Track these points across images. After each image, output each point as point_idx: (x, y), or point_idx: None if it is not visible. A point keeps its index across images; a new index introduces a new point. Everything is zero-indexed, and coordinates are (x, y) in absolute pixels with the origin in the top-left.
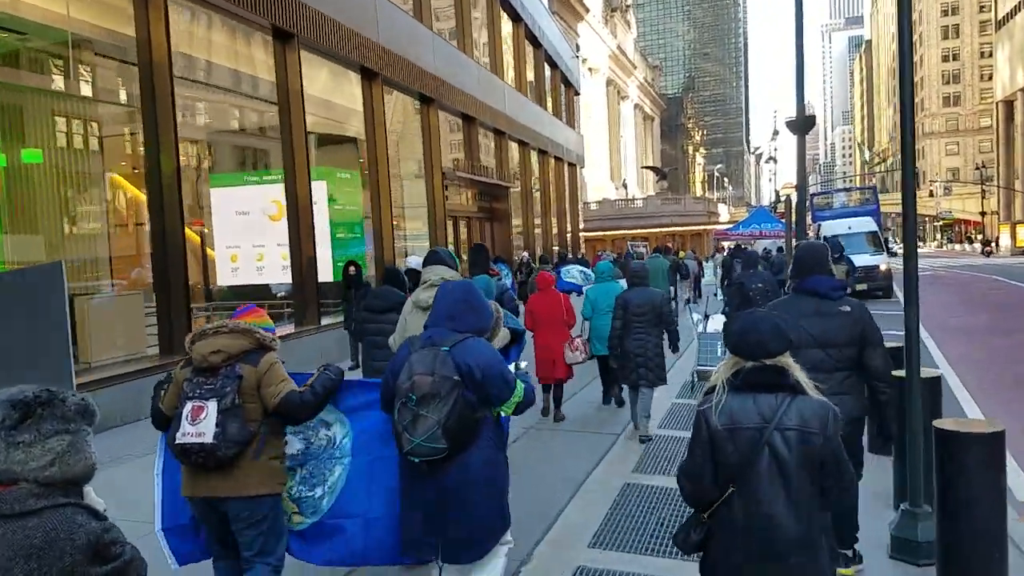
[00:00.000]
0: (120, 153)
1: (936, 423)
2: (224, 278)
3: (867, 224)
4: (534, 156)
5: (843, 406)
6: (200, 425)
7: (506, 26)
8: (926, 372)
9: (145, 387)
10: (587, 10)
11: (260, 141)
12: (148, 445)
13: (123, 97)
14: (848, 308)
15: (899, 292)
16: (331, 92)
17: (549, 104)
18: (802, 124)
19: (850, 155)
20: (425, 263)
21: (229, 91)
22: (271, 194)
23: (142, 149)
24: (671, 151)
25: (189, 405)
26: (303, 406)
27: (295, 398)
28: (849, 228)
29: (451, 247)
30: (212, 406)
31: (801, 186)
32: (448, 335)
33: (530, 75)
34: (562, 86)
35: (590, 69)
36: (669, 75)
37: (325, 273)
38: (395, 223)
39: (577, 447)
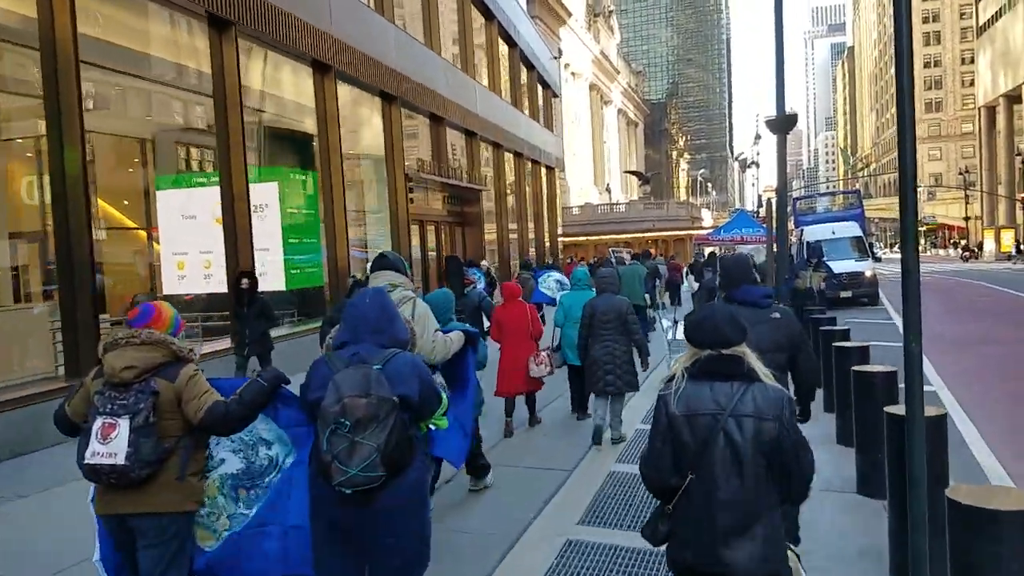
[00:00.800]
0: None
1: (950, 493)
2: (170, 286)
3: (852, 229)
4: (509, 159)
5: None
6: (111, 444)
7: (477, 23)
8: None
9: (48, 412)
10: (569, 14)
11: (209, 139)
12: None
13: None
14: (777, 315)
15: (886, 300)
16: (284, 87)
17: (526, 106)
18: (782, 123)
19: (833, 161)
20: (373, 268)
21: (169, 85)
22: (219, 196)
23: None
24: (655, 156)
25: (99, 421)
26: (227, 419)
27: (219, 410)
28: (833, 233)
29: (415, 253)
30: (124, 424)
31: (781, 188)
32: (376, 351)
33: (505, 75)
34: (540, 87)
35: (573, 74)
36: (653, 80)
37: (276, 281)
38: (351, 228)
39: (556, 447)
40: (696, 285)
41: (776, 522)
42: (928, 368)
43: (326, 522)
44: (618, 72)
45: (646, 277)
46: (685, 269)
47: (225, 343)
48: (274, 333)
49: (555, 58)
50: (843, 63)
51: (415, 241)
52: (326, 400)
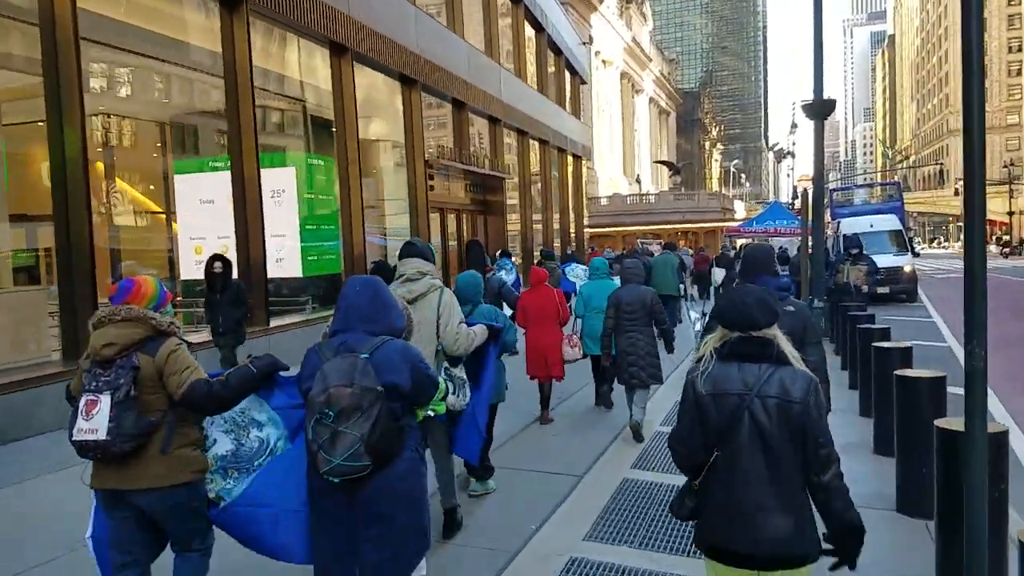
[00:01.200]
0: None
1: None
2: (188, 271)
3: (891, 222)
4: (534, 146)
5: None
6: (93, 420)
7: (503, 6)
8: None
9: (44, 397)
10: (601, 0)
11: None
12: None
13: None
14: (792, 308)
15: (924, 296)
16: (301, 70)
17: (552, 93)
18: (819, 109)
19: (871, 153)
20: (401, 255)
21: (184, 66)
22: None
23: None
24: (687, 146)
25: (84, 398)
26: (209, 398)
27: (201, 389)
28: (871, 226)
29: (437, 240)
30: (105, 400)
31: (818, 177)
32: (365, 339)
33: (531, 61)
34: (567, 74)
35: (604, 62)
36: (686, 69)
37: (293, 267)
38: (369, 214)
39: (570, 446)
40: (720, 279)
41: (804, 503)
42: None
43: (318, 511)
44: (650, 60)
45: (677, 267)
46: (712, 261)
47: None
48: (288, 320)
49: (584, 44)
50: (883, 52)
51: (435, 229)
52: (313, 389)
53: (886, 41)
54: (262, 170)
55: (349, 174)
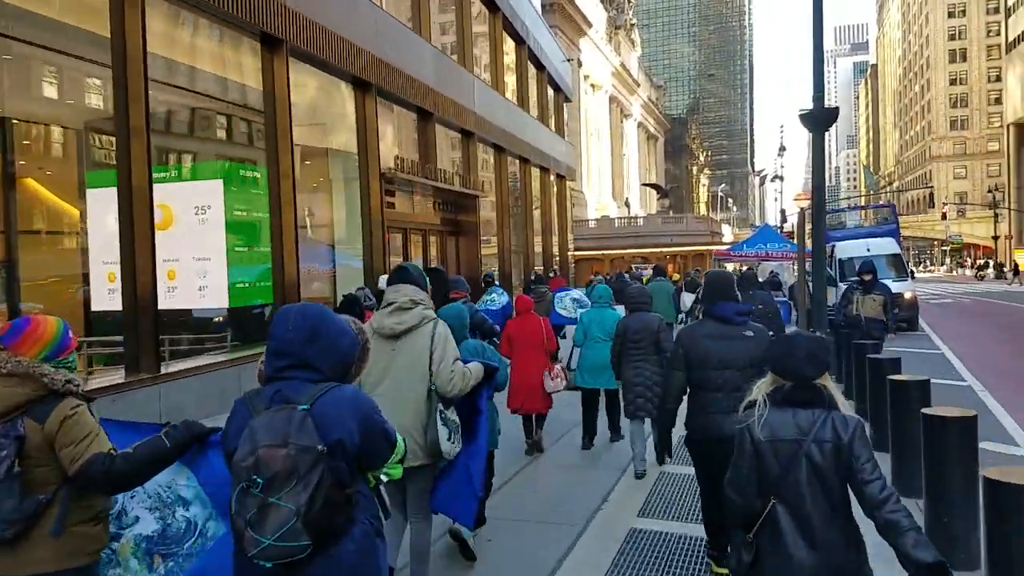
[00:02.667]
0: None
1: None
2: (99, 301)
3: (888, 246)
4: (514, 164)
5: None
6: None
7: (476, 9)
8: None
9: None
10: (590, 25)
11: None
12: None
13: None
14: (751, 333)
15: (926, 325)
16: (227, 66)
17: (534, 108)
18: (820, 118)
19: (855, 178)
20: (390, 281)
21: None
22: (158, 195)
23: None
24: (675, 171)
25: None
26: (108, 477)
27: (98, 467)
28: (868, 250)
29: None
30: None
31: (818, 193)
32: (303, 387)
33: (511, 74)
34: (551, 90)
35: (592, 85)
36: (674, 95)
37: (218, 297)
38: (317, 234)
39: (559, 500)
40: (689, 303)
41: (861, 540)
42: (1003, 414)
43: None
44: (638, 85)
45: (673, 294)
46: (680, 286)
47: (119, 375)
48: (203, 362)
49: (568, 60)
50: (866, 81)
51: (395, 251)
52: (239, 451)
53: (869, 71)
54: (186, 183)
55: (281, 188)
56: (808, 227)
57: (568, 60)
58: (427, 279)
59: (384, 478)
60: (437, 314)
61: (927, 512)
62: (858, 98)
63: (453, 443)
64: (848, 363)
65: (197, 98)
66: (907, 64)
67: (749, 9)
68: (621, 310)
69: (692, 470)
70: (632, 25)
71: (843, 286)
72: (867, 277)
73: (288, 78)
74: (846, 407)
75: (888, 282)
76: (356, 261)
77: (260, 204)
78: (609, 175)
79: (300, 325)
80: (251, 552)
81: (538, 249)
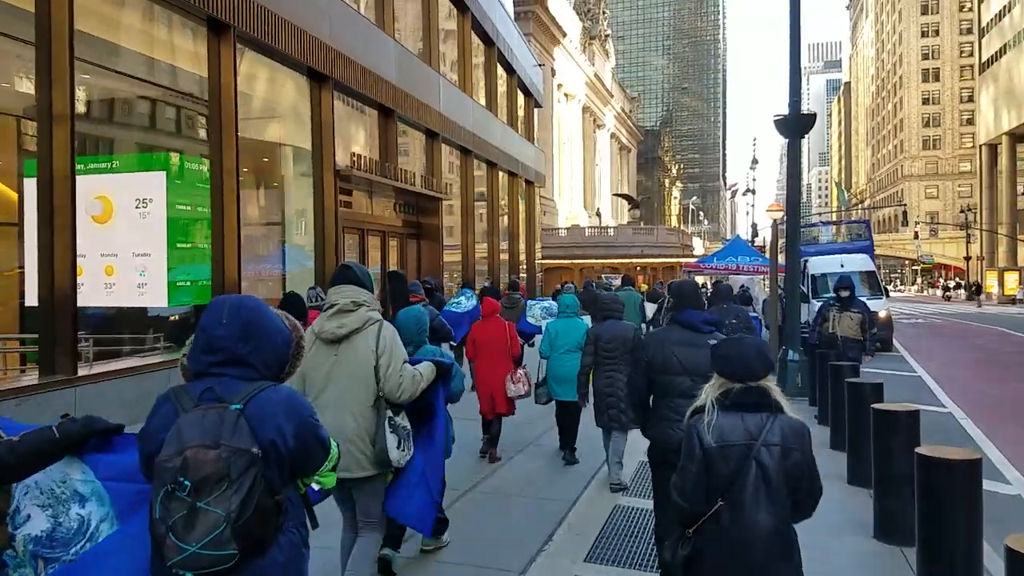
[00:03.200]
0: None
1: None
2: (33, 297)
3: (863, 263)
4: (480, 168)
5: None
6: None
7: (445, 8)
8: None
9: None
10: (564, 34)
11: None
12: None
13: None
14: (715, 342)
15: (899, 345)
16: (171, 51)
17: (503, 112)
18: (796, 124)
19: (826, 195)
20: (332, 282)
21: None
22: (98, 186)
23: None
24: (647, 183)
25: None
26: None
27: None
28: (842, 266)
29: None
30: None
31: (793, 205)
32: (236, 385)
33: (479, 76)
34: (521, 95)
35: (566, 95)
36: (647, 108)
37: (157, 296)
38: (267, 232)
39: (519, 517)
40: (651, 314)
41: (795, 545)
42: (989, 446)
43: None
44: (612, 96)
45: (640, 304)
46: (643, 296)
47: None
48: (129, 364)
49: (539, 66)
50: (839, 98)
51: (352, 253)
52: (164, 451)
53: (842, 88)
54: (127, 174)
55: (224, 183)
56: (781, 240)
57: (540, 65)
58: (372, 279)
59: (315, 486)
60: (397, 318)
61: (921, 563)
62: (830, 115)
63: (403, 451)
64: (823, 385)
65: (140, 85)
66: (880, 82)
67: (723, 24)
68: (588, 320)
69: (651, 504)
70: (607, 36)
71: (816, 303)
72: (844, 294)
73: (235, 66)
74: (790, 410)
75: (863, 300)
76: (308, 261)
77: (205, 199)
78: (581, 185)
79: (234, 319)
80: (171, 560)
81: (504, 256)
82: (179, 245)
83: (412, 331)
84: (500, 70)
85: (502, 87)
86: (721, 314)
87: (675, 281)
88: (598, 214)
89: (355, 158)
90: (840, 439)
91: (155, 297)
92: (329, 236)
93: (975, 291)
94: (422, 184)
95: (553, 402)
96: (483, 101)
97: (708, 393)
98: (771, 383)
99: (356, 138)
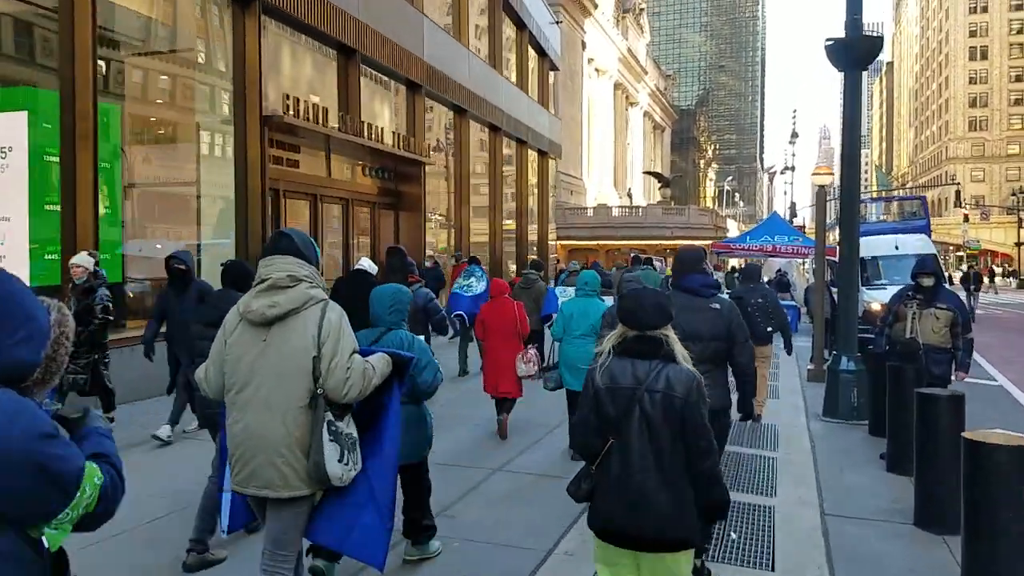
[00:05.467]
0: None
1: None
2: None
3: (921, 244)
4: (479, 131)
5: (709, 397)
6: None
7: None
8: None
9: None
10: (595, 6)
11: None
12: None
13: None
14: (717, 306)
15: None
16: None
17: (511, 71)
18: (859, 49)
19: (867, 180)
20: (266, 251)
21: None
22: None
23: None
24: (681, 163)
25: None
26: None
27: None
28: (896, 248)
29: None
30: None
31: (850, 163)
32: None
33: (479, 25)
34: (533, 54)
35: (597, 70)
36: (683, 86)
37: (18, 264)
38: (158, 199)
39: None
40: None
41: (686, 494)
42: None
43: None
44: (645, 73)
45: (661, 285)
46: (664, 278)
47: None
48: None
49: (557, 23)
50: (881, 79)
51: (297, 223)
52: None
53: (884, 68)
54: None
55: (77, 127)
56: (832, 212)
57: (558, 23)
58: (317, 249)
59: (44, 539)
60: (372, 295)
61: None
62: (871, 97)
63: (347, 465)
64: (898, 414)
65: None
66: (924, 61)
67: (763, 1)
68: (610, 300)
69: None
70: (641, 10)
71: (866, 292)
72: (927, 282)
73: None
74: (685, 360)
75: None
76: (226, 233)
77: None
78: (611, 164)
79: None
80: None
81: (501, 231)
82: (48, 206)
83: (382, 309)
84: (507, 21)
85: (509, 42)
86: (747, 293)
87: (682, 248)
88: (629, 194)
89: (289, 102)
90: (935, 505)
91: (17, 266)
92: (253, 200)
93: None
94: (397, 143)
95: (564, 390)
96: (484, 55)
97: (610, 340)
98: (668, 332)
99: (302, 81)
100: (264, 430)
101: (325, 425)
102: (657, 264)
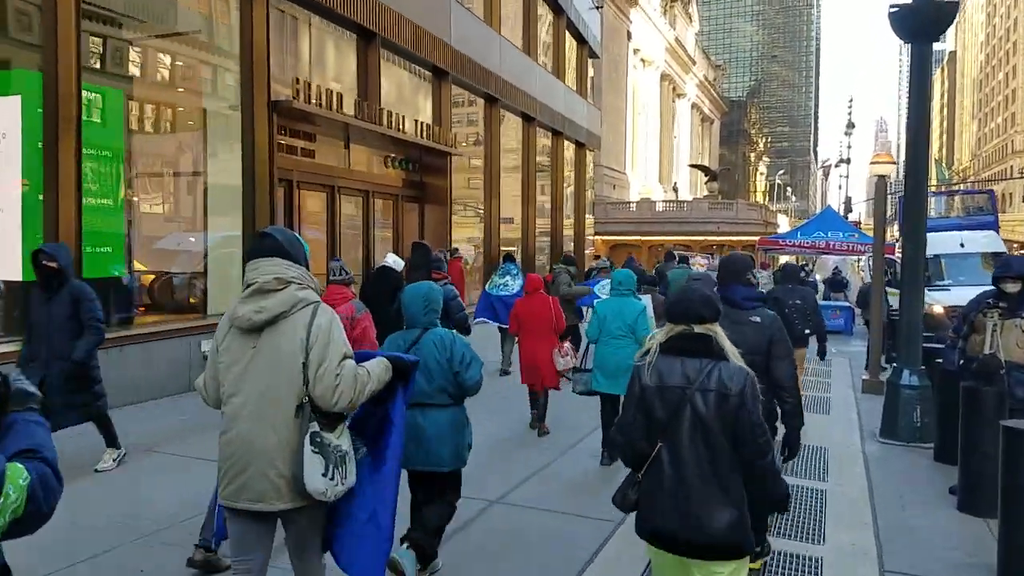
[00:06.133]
0: None
1: None
2: None
3: (989, 242)
4: (511, 122)
5: None
6: None
7: None
8: None
9: None
10: None
11: None
12: None
13: None
14: (758, 319)
15: None
16: None
17: (546, 57)
18: (927, 14)
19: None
20: (250, 255)
21: None
22: None
23: None
24: (730, 157)
25: None
26: None
27: None
28: (961, 246)
29: (317, 237)
30: None
31: (918, 149)
32: None
33: (514, 7)
34: (571, 40)
35: (643, 60)
36: (733, 77)
37: (9, 266)
38: (153, 187)
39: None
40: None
41: (741, 495)
42: None
43: None
44: (694, 63)
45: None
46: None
47: None
48: None
49: (598, 8)
50: (943, 69)
51: (314, 218)
52: None
53: (946, 58)
54: None
55: (60, 110)
56: (899, 200)
57: (598, 8)
58: (305, 248)
59: None
60: (405, 296)
61: None
62: (932, 88)
63: (333, 480)
64: (972, 441)
65: None
66: (990, 50)
67: None
68: (646, 300)
69: None
70: None
71: (929, 294)
72: (1012, 287)
73: None
74: (736, 357)
75: None
76: (233, 229)
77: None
78: (657, 158)
79: None
80: None
81: (545, 229)
82: (42, 196)
83: (417, 310)
84: (542, 4)
85: (546, 28)
86: (785, 294)
87: (725, 255)
88: (675, 189)
89: (299, 86)
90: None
91: (6, 267)
92: (261, 191)
93: None
94: (420, 132)
95: (597, 395)
96: (518, 41)
97: (656, 338)
98: (717, 329)
99: (319, 65)
100: (256, 440)
101: (308, 436)
102: (703, 261)
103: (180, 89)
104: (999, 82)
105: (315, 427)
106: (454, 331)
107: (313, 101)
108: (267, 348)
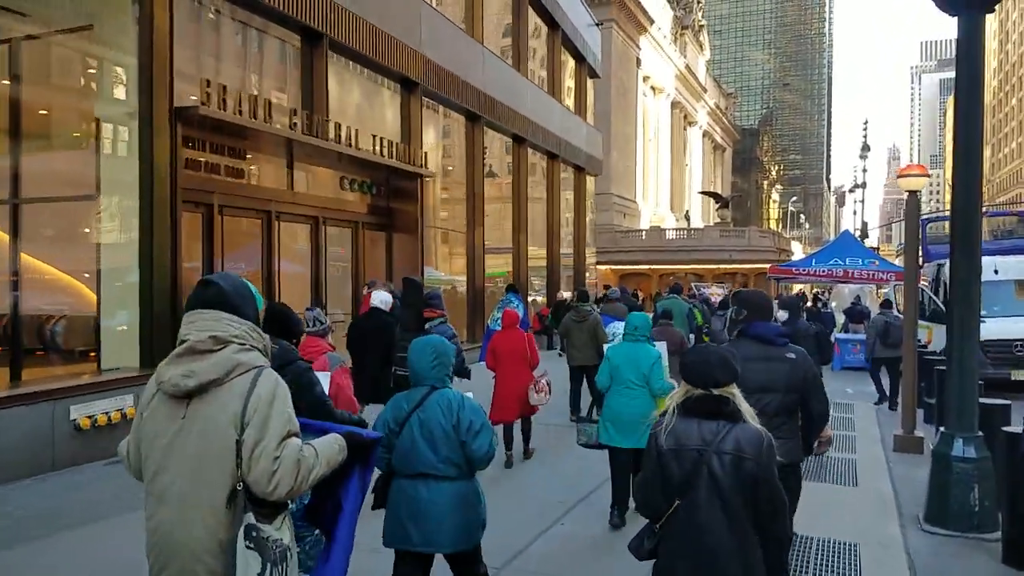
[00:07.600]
0: None
1: None
2: None
3: None
4: (497, 142)
5: (781, 451)
6: None
7: None
8: None
9: None
10: (651, 22)
11: None
12: None
13: None
14: (792, 355)
15: None
16: None
17: (542, 77)
18: None
19: (938, 198)
20: (188, 304)
21: None
22: None
23: None
24: (743, 185)
25: None
26: None
27: None
28: (996, 272)
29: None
30: None
31: (969, 151)
32: None
33: (501, 19)
34: (568, 59)
35: (653, 88)
36: (745, 105)
37: None
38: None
39: None
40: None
41: (755, 556)
42: None
43: None
44: (705, 91)
45: (687, 314)
46: (690, 307)
47: None
48: None
49: (597, 25)
50: (955, 96)
51: (246, 252)
52: None
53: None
54: None
55: None
56: (922, 224)
57: (598, 24)
58: (256, 299)
59: None
60: (411, 349)
61: None
62: (944, 114)
63: None
64: None
65: None
66: (1003, 76)
67: (830, 17)
68: (661, 347)
69: None
70: (701, 27)
71: None
72: None
73: None
74: (752, 419)
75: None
76: (129, 268)
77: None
78: (668, 186)
79: None
80: None
81: (540, 258)
82: None
83: (424, 366)
84: (535, 18)
85: (538, 43)
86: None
87: (743, 290)
88: (687, 217)
89: (211, 89)
90: None
91: None
92: (161, 217)
93: None
94: (381, 150)
95: (606, 450)
96: (506, 54)
97: (674, 398)
98: (734, 391)
99: (250, 71)
100: (180, 531)
101: (243, 529)
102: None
103: (66, 90)
104: (1012, 108)
105: (251, 518)
106: (464, 395)
107: (230, 108)
108: (198, 419)
